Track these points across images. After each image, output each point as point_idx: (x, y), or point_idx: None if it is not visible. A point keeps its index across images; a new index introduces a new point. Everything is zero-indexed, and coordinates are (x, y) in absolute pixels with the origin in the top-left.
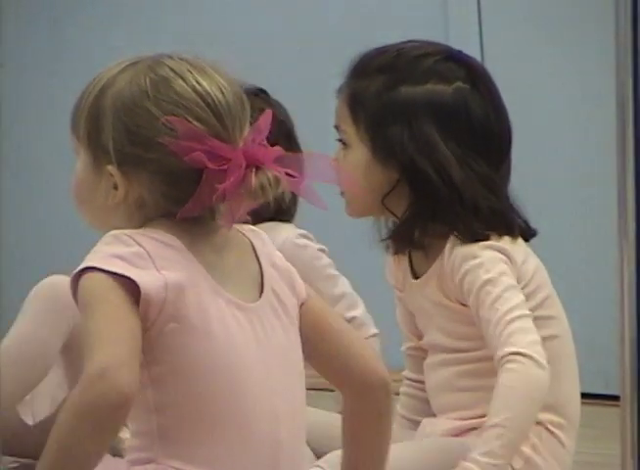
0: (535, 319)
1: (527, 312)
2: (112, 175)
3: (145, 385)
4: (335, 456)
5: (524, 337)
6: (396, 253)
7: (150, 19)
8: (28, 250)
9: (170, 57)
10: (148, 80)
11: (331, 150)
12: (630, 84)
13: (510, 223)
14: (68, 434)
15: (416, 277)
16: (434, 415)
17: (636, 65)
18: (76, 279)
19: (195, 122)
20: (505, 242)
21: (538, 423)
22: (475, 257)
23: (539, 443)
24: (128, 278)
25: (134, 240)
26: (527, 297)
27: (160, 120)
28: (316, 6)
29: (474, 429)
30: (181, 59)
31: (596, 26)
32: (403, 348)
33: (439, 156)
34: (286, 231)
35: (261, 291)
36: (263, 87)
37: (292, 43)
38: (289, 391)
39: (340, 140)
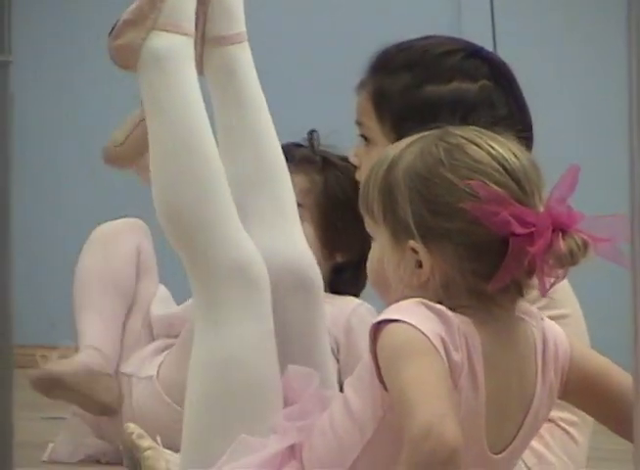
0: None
1: None
2: (414, 251)
3: (358, 440)
4: None
5: None
6: None
7: None
8: (41, 247)
9: (457, 127)
10: (441, 149)
11: (339, 146)
12: None
13: None
14: None
15: None
16: None
17: None
18: (382, 326)
19: (494, 187)
20: None
21: (550, 420)
22: None
23: (552, 440)
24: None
25: (459, 340)
26: (535, 299)
27: (459, 187)
28: (329, 4)
29: None
30: (469, 128)
31: (609, 24)
32: None
33: None
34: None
35: (516, 434)
36: (274, 86)
37: (304, 44)
38: None
39: (362, 135)
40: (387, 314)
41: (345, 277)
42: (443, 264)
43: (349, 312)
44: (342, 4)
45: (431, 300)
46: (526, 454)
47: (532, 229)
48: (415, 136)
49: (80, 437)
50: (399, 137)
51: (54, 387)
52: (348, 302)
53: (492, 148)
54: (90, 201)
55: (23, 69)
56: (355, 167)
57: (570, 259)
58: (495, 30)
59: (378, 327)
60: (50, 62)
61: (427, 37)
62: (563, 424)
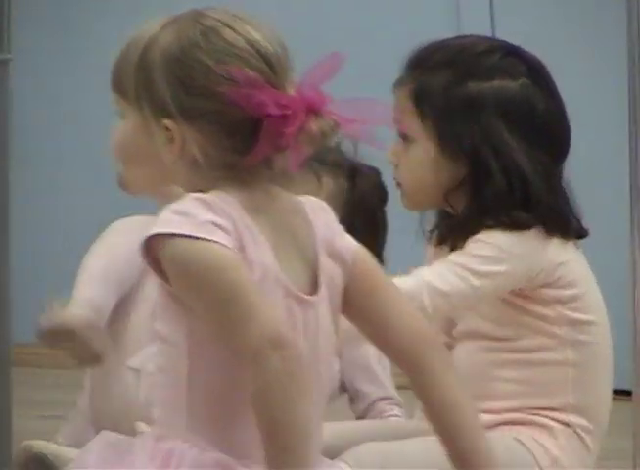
0: (576, 323)
1: (469, 273)
2: (168, 129)
3: (183, 356)
4: (356, 451)
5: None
6: (440, 244)
7: (162, 6)
8: (39, 246)
9: (213, 9)
10: (197, 31)
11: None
12: None
13: (565, 223)
14: (282, 407)
15: None
16: None
17: None
18: (158, 244)
19: (249, 71)
20: (552, 244)
21: (569, 426)
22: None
23: (567, 444)
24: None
25: (224, 210)
26: (570, 298)
27: (215, 70)
28: (328, 3)
29: (502, 424)
30: (223, 10)
31: (608, 23)
32: None
33: (509, 153)
34: None
35: (316, 278)
36: None
37: (302, 41)
38: (319, 379)
39: (400, 134)
40: (157, 228)
41: None
42: (201, 141)
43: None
44: (340, 3)
45: (182, 175)
46: (541, 455)
47: (287, 111)
48: (171, 17)
49: (80, 434)
50: (441, 134)
51: (64, 338)
52: None
53: (247, 32)
54: (90, 199)
55: (23, 66)
56: (386, 167)
57: (321, 139)
58: (495, 30)
59: (150, 242)
60: (50, 59)
61: (462, 36)
62: (579, 430)
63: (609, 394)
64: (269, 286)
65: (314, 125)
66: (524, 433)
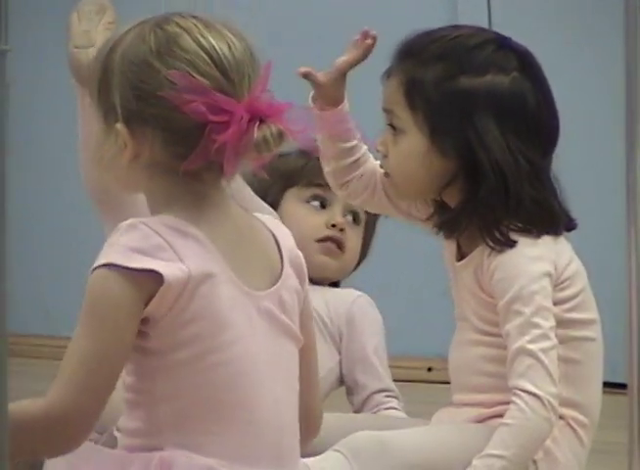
0: (574, 322)
1: (552, 343)
2: (121, 134)
3: (153, 373)
4: (352, 440)
5: (542, 377)
6: (447, 238)
7: (158, 1)
8: (36, 236)
9: (180, 14)
10: (153, 36)
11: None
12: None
13: (555, 219)
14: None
15: (461, 258)
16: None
17: None
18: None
19: (198, 77)
20: (546, 244)
21: (562, 418)
22: (514, 267)
23: (561, 437)
24: (151, 271)
25: (152, 229)
26: (568, 298)
27: (161, 75)
28: None
29: (494, 417)
30: (190, 16)
31: (607, 18)
32: None
33: (498, 150)
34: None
35: (275, 282)
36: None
37: (299, 36)
38: (288, 377)
39: (390, 124)
40: (103, 257)
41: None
42: (149, 147)
43: (351, 303)
44: None
45: (139, 178)
46: None
47: (227, 118)
48: (141, 19)
49: None
50: (433, 129)
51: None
52: (349, 293)
53: (204, 38)
54: None
55: (21, 58)
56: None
57: (264, 147)
58: (492, 25)
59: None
60: (48, 50)
61: (456, 27)
62: (573, 424)
63: (600, 388)
64: (222, 288)
65: (257, 132)
66: None
